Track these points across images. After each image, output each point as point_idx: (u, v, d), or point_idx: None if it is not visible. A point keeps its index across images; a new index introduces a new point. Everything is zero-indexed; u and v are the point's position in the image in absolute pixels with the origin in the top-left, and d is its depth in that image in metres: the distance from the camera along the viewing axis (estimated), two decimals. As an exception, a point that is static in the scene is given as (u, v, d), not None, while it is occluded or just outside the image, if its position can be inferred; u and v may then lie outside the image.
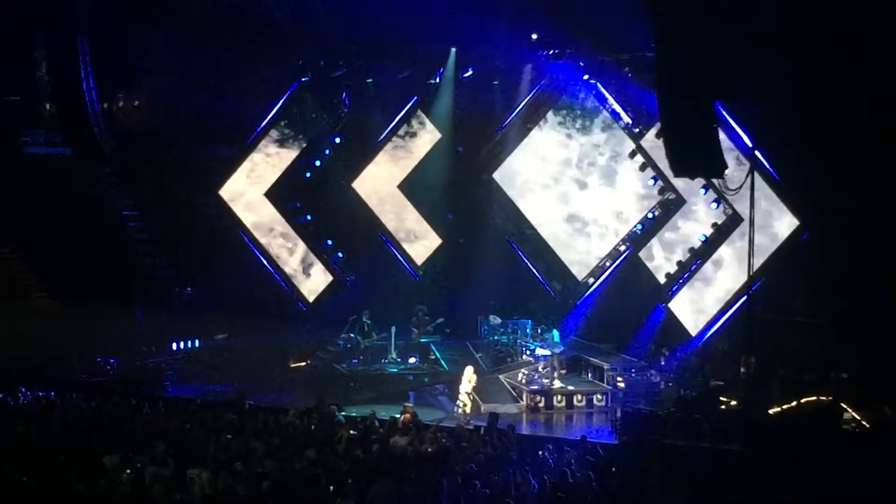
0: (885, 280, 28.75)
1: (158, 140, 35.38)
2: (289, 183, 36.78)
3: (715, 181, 30.06)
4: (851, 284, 29.23)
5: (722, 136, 24.43)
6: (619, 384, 29.71)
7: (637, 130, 33.53)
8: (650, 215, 34.12)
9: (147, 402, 25.77)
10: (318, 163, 36.86)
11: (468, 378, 27.94)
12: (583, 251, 35.19)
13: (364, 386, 31.45)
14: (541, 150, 35.24)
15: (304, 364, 33.56)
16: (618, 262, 34.60)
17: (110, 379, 30.07)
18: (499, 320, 33.65)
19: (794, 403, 27.61)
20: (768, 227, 31.37)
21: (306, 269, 36.99)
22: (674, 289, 33.28)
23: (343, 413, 26.07)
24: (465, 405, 27.64)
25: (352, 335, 33.45)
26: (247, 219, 36.80)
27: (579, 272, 35.14)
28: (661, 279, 33.63)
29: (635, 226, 34.36)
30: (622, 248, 34.59)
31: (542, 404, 28.93)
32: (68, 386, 27.72)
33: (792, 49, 26.11)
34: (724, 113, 29.59)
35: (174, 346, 33.63)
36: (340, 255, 37.00)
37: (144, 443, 21.17)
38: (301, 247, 36.92)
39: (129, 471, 18.82)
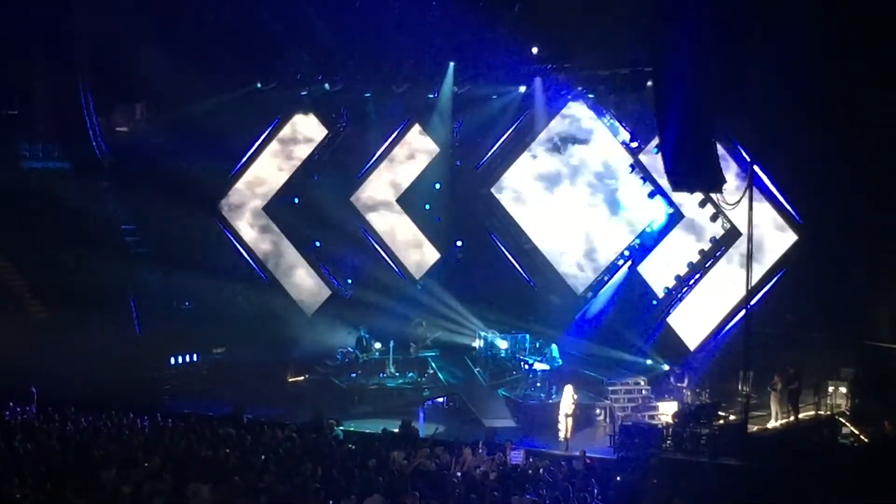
0: (885, 294, 28.78)
1: (156, 154, 35.36)
2: (287, 197, 36.81)
3: (713, 195, 30.04)
4: (851, 298, 29.23)
5: (720, 150, 24.47)
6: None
7: (635, 145, 33.52)
8: (648, 229, 34.11)
9: (145, 417, 25.76)
10: (316, 177, 36.86)
11: (567, 398, 27.47)
12: (581, 265, 35.15)
13: (362, 400, 31.45)
14: (539, 164, 35.25)
15: (302, 378, 33.53)
16: (616, 276, 34.57)
17: (108, 393, 30.01)
18: (497, 334, 33.60)
19: (792, 418, 27.62)
20: (767, 241, 31.36)
21: (304, 283, 36.97)
22: (672, 303, 33.25)
23: (341, 428, 26.06)
24: (566, 429, 27.18)
25: (350, 349, 33.44)
26: (245, 233, 36.83)
27: (577, 286, 35.10)
28: (660, 293, 33.60)
29: (634, 240, 34.34)
30: (621, 262, 34.57)
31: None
32: (66, 400, 27.68)
33: (790, 63, 26.24)
34: (723, 128, 29.64)
35: (172, 360, 33.58)
36: (339, 269, 36.95)
37: (143, 457, 21.18)
38: (299, 260, 36.91)
39: (127, 486, 18.82)
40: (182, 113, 34.76)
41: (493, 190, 35.78)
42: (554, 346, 32.00)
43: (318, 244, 36.98)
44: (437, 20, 31.42)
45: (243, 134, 36.26)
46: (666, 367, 31.55)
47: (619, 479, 21.88)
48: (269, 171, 36.76)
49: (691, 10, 22.67)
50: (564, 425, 27.12)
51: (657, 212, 33.85)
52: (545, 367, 31.08)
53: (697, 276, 33.10)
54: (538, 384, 30.72)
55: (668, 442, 25.64)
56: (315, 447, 23.18)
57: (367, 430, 27.07)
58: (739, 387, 27.30)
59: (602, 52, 31.63)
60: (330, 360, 33.92)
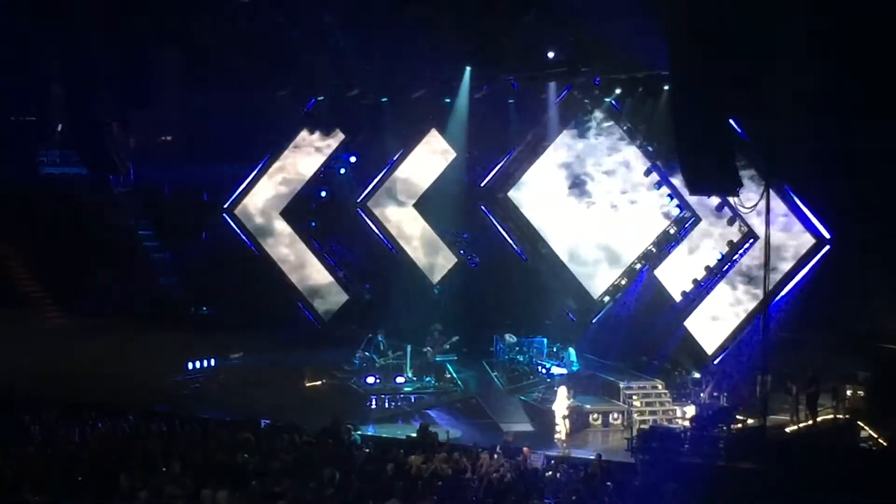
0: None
1: (173, 159, 35.47)
2: (304, 202, 36.88)
3: (730, 199, 29.99)
4: (869, 301, 29.14)
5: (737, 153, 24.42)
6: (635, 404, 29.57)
7: (652, 148, 33.47)
8: (666, 233, 34.03)
9: (163, 422, 25.79)
10: (333, 182, 36.90)
11: (561, 400, 27.38)
12: (598, 269, 35.09)
13: (379, 405, 31.46)
14: (556, 168, 35.21)
15: (319, 383, 33.51)
16: (634, 280, 34.50)
17: (126, 398, 30.05)
18: (514, 339, 33.52)
19: (810, 421, 27.54)
20: (784, 245, 31.26)
21: (322, 287, 37.01)
22: (690, 307, 33.15)
23: (359, 432, 26.05)
24: (563, 431, 26.99)
25: (367, 354, 33.43)
26: (262, 238, 36.88)
27: (595, 290, 35.04)
28: (677, 297, 33.49)
29: (651, 244, 34.27)
30: (638, 266, 34.50)
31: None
32: (84, 405, 27.74)
33: (808, 67, 26.16)
34: (740, 130, 29.58)
35: (190, 365, 33.59)
36: (356, 273, 36.97)
37: (161, 462, 21.20)
38: (316, 265, 36.96)
39: (145, 491, 18.84)
40: (198, 118, 34.84)
41: (509, 193, 35.77)
42: (571, 350, 31.94)
43: (335, 249, 37.02)
44: (453, 25, 31.40)
45: (260, 139, 36.33)
46: (684, 372, 31.45)
47: (637, 483, 21.82)
48: (285, 176, 36.79)
49: (708, 13, 22.64)
50: (563, 427, 27.08)
51: (674, 215, 33.78)
52: (563, 371, 31.02)
53: (715, 279, 33.00)
54: (555, 388, 30.64)
55: (687, 446, 25.61)
56: (332, 452, 23.16)
57: (385, 435, 27.06)
58: (757, 390, 27.28)
59: (618, 56, 31.57)
60: (347, 365, 33.88)
